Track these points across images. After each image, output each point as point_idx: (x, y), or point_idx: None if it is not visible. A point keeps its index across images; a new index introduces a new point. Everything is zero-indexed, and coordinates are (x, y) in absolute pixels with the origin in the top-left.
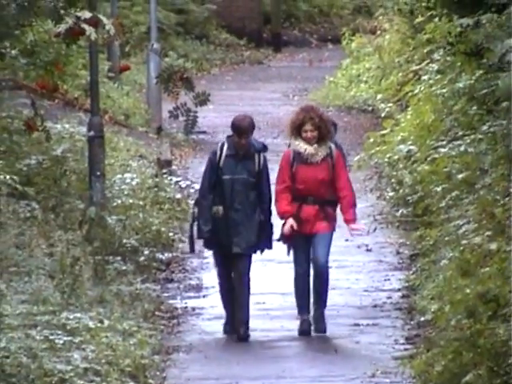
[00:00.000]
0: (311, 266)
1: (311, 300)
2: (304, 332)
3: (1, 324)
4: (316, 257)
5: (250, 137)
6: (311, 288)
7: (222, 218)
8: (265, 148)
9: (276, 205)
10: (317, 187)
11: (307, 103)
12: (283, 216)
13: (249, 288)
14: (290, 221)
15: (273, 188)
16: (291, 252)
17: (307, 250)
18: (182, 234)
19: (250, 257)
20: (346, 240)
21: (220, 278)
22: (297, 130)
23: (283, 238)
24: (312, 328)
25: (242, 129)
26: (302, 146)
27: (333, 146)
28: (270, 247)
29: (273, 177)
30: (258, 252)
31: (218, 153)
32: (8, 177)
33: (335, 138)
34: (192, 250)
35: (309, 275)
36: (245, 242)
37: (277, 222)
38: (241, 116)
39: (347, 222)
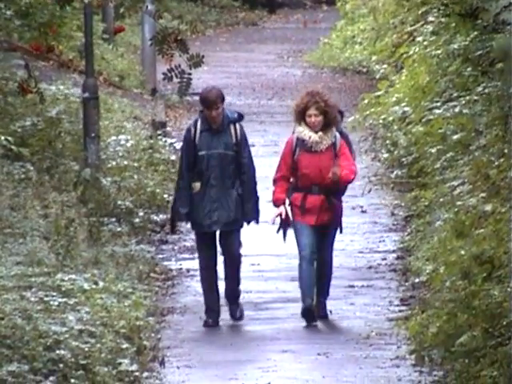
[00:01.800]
0: (316, 254)
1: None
2: (306, 310)
3: None
4: (321, 252)
5: (220, 108)
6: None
7: (199, 195)
8: (240, 117)
9: (272, 193)
10: (321, 176)
11: (313, 87)
12: (275, 203)
13: (239, 264)
14: (280, 208)
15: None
16: (292, 240)
17: (311, 236)
18: None
19: (237, 233)
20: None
21: (201, 261)
22: (301, 114)
23: (280, 225)
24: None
25: (209, 100)
26: (306, 134)
27: (337, 134)
28: (256, 220)
29: (266, 139)
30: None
31: (193, 130)
32: (3, 138)
33: (341, 125)
34: (172, 231)
35: (313, 260)
36: (223, 219)
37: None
38: (208, 88)
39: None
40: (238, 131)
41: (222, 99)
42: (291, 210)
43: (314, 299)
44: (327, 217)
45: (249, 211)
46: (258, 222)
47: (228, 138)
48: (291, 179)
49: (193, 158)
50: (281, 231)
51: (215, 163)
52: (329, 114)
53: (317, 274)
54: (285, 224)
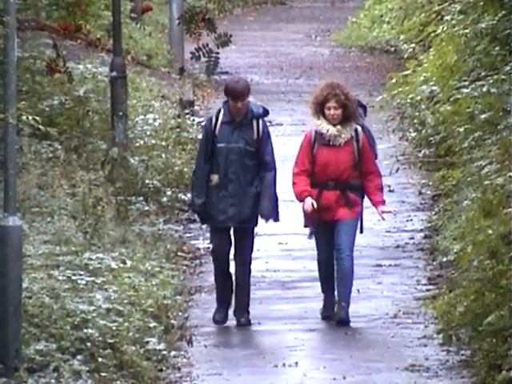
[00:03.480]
0: (335, 254)
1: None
2: (327, 317)
3: (23, 264)
4: (339, 247)
5: (245, 100)
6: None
7: (216, 189)
8: (265, 112)
9: (293, 188)
10: (339, 171)
11: (333, 80)
12: (301, 196)
13: (250, 270)
14: (309, 200)
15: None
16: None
17: (329, 236)
18: None
19: (251, 233)
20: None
21: (213, 253)
22: (320, 107)
23: (305, 219)
24: (335, 319)
25: (236, 92)
26: (324, 127)
27: (359, 128)
28: (274, 218)
29: (293, 118)
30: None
31: (214, 120)
32: (30, 117)
33: (364, 120)
34: (203, 222)
35: (332, 261)
36: (239, 216)
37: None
38: (235, 78)
39: (376, 204)
40: (261, 127)
41: (249, 91)
42: None
43: (335, 303)
44: (344, 213)
45: (266, 209)
46: (277, 220)
47: (250, 132)
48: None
49: (211, 149)
50: (309, 233)
51: (235, 157)
52: (348, 107)
53: (337, 275)
54: (312, 220)
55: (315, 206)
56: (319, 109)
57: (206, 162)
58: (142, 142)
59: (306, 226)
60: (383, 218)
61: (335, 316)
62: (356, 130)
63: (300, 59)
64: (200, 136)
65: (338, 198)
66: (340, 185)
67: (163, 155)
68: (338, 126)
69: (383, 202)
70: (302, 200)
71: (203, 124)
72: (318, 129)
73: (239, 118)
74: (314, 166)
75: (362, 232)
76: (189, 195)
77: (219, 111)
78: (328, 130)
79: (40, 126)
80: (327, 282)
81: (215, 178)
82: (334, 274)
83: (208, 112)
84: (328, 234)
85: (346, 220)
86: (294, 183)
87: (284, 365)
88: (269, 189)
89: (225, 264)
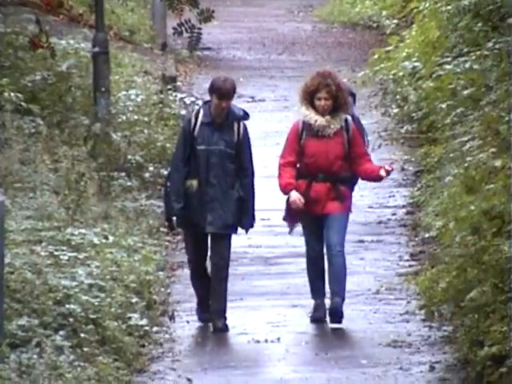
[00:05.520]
0: (325, 251)
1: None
2: (317, 319)
3: (6, 240)
4: (329, 243)
5: (231, 100)
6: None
7: (196, 194)
8: (246, 115)
9: (278, 179)
10: (328, 163)
11: (325, 68)
12: (285, 189)
13: (227, 275)
14: (294, 194)
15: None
16: (301, 233)
17: (319, 231)
18: None
19: (229, 238)
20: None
21: (191, 262)
22: (309, 96)
23: (288, 214)
24: (327, 318)
25: (223, 90)
26: (312, 117)
27: (349, 118)
28: (251, 226)
29: (276, 94)
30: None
31: (193, 120)
32: (12, 94)
33: (353, 109)
34: (172, 229)
35: (322, 257)
36: (220, 221)
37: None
38: (222, 77)
39: (375, 170)
40: (242, 130)
41: (235, 91)
42: None
43: (328, 302)
44: (334, 207)
45: (248, 223)
46: (252, 227)
47: (230, 134)
48: (298, 165)
49: (189, 151)
50: (290, 228)
51: (216, 160)
52: (339, 97)
53: (329, 272)
54: (294, 216)
55: (302, 201)
56: (308, 98)
57: (184, 165)
58: (124, 118)
59: (284, 220)
60: (388, 174)
61: (329, 313)
62: (346, 120)
63: (282, 35)
64: (183, 111)
65: (328, 191)
66: (330, 177)
67: (145, 131)
68: (327, 117)
69: (381, 167)
70: (286, 193)
71: (182, 125)
72: (305, 119)
73: (220, 119)
74: (302, 157)
75: (350, 212)
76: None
77: (198, 111)
78: (316, 121)
79: (22, 103)
80: (317, 283)
81: (194, 183)
82: (325, 274)
83: (190, 88)
84: (317, 228)
85: (336, 214)
86: (279, 174)
87: (266, 340)
88: (250, 202)
89: (202, 268)
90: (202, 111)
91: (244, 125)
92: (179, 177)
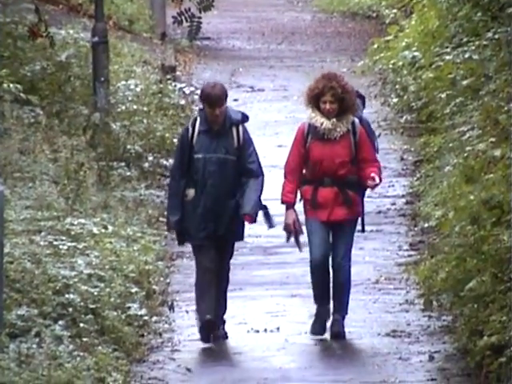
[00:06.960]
0: (330, 262)
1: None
2: (317, 332)
3: (5, 229)
4: (335, 255)
5: (223, 106)
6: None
7: (193, 203)
8: (244, 118)
9: (282, 186)
10: (334, 167)
11: (330, 70)
12: (284, 203)
13: (228, 278)
14: (290, 215)
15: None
16: (304, 238)
17: (325, 236)
18: None
19: (232, 246)
20: None
21: (198, 269)
22: (315, 99)
23: (289, 234)
24: (328, 332)
25: (212, 98)
26: (318, 120)
27: (356, 120)
28: (253, 212)
29: (275, 84)
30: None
31: (190, 129)
32: (12, 85)
33: (362, 112)
34: (180, 242)
35: (327, 264)
36: (220, 231)
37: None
38: (210, 83)
39: (366, 178)
40: (241, 134)
41: (226, 96)
42: (303, 204)
43: (330, 314)
44: (342, 213)
45: (250, 208)
46: (254, 221)
47: (229, 141)
48: (303, 171)
49: (187, 160)
50: (292, 239)
51: (214, 168)
52: (346, 100)
53: (333, 285)
54: (296, 232)
55: (298, 226)
56: (314, 101)
57: (182, 176)
58: (123, 108)
59: (286, 231)
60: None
61: (330, 329)
62: (353, 123)
63: (282, 25)
64: (182, 101)
65: (336, 196)
66: (337, 181)
67: (145, 121)
68: (334, 120)
69: (372, 177)
70: (283, 204)
71: (180, 133)
72: (311, 122)
73: (217, 125)
74: (307, 161)
75: (363, 231)
76: (170, 160)
77: (195, 120)
78: (322, 124)
79: (21, 94)
80: (321, 288)
81: (191, 192)
82: (330, 279)
83: (190, 77)
84: (324, 233)
85: (343, 222)
86: (283, 183)
87: (265, 330)
88: (255, 192)
89: (212, 278)
90: (198, 119)
91: (243, 128)
92: (177, 188)
